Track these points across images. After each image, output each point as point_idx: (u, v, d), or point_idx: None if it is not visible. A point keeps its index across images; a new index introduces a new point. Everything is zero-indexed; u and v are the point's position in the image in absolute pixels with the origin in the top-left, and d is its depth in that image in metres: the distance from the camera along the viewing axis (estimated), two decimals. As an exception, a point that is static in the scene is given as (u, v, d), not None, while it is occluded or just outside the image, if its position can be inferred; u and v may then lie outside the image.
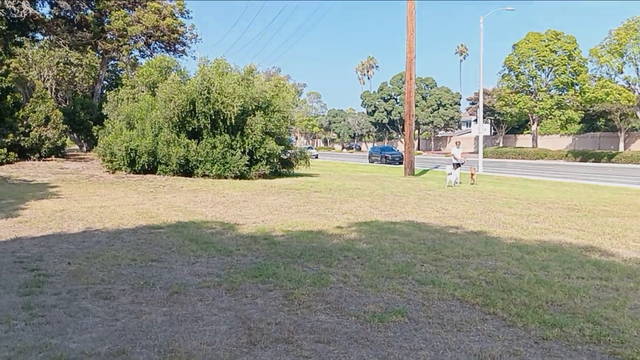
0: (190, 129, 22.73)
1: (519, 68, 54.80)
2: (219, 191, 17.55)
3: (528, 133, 71.48)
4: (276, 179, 23.11)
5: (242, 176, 22.51)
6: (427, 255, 7.87)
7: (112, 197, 15.21)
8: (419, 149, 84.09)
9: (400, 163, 48.89)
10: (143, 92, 26.12)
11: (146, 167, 22.90)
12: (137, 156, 22.61)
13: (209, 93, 22.05)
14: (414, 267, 7.15)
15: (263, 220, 11.47)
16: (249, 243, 8.78)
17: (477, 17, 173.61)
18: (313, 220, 11.36)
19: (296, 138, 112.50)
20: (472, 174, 23.39)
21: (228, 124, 22.23)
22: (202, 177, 22.38)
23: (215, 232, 9.86)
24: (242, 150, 22.59)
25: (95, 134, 29.25)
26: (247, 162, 22.49)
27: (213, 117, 22.24)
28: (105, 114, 27.27)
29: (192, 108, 22.38)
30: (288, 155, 26.52)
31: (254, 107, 22.99)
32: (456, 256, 7.81)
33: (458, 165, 24.02)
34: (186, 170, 22.66)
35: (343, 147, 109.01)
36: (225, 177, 22.29)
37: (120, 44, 33.94)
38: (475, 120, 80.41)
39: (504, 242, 8.96)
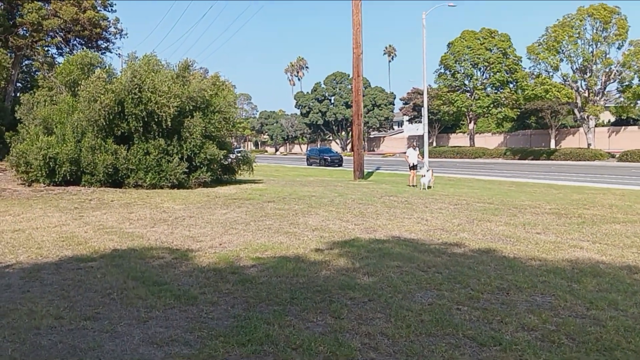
0: (120, 133, 20.10)
1: (455, 66, 54.62)
2: (156, 205, 15.21)
3: (460, 132, 72.01)
4: (218, 187, 20.87)
5: (180, 185, 20.14)
6: (455, 291, 6.08)
7: (28, 217, 12.60)
8: (352, 150, 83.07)
9: (340, 165, 47.71)
10: (62, 93, 23.11)
11: (68, 177, 20.00)
12: (57, 165, 19.72)
13: (140, 92, 19.52)
14: (450, 312, 5.34)
15: (220, 243, 9.39)
16: (215, 281, 6.71)
17: (404, 18, 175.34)
18: (283, 241, 9.39)
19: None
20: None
21: (163, 126, 19.78)
22: (134, 187, 19.83)
23: (165, 265, 7.71)
24: (180, 156, 20.20)
25: (7, 140, 25.86)
26: (185, 170, 20.14)
27: (146, 119, 19.72)
28: (18, 118, 23.95)
29: (120, 109, 19.78)
30: (229, 160, 24.33)
31: (191, 107, 20.65)
32: (492, 291, 6.07)
33: (414, 167, 22.75)
34: (115, 180, 20.01)
35: (276, 150, 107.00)
36: (161, 187, 19.84)
37: (34, 40, 30.48)
38: (409, 120, 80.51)
39: (530, 266, 7.33)
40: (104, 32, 33.26)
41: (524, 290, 6.08)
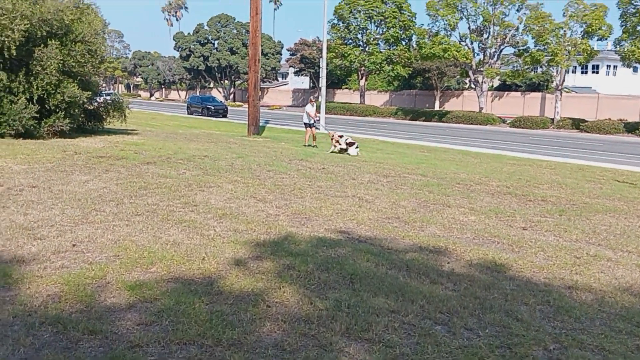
0: (-57, 62, 15.03)
1: (349, 18, 51.74)
2: (-13, 162, 10.92)
3: (346, 88, 70.11)
4: (80, 139, 16.52)
5: (27, 134, 15.57)
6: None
7: None
8: (234, 101, 78.42)
9: (224, 116, 43.89)
10: None
11: None
12: None
13: (-29, 7, 14.55)
14: None
15: (74, 242, 5.79)
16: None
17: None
18: (177, 241, 5.98)
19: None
20: (333, 138, 19.17)
21: (5, 56, 14.95)
22: (-38, 135, 15.03)
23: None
24: (28, 96, 15.54)
25: None
26: (35, 114, 15.58)
27: (-21, 45, 14.83)
28: None
29: (-57, 30, 14.70)
30: (96, 104, 19.81)
31: (45, 33, 15.86)
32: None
33: (311, 125, 19.98)
34: (-64, 125, 15.05)
35: (151, 95, 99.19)
36: (2, 136, 15.22)
37: None
38: (296, 73, 76.99)
39: (587, 305, 4.62)
40: None
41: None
